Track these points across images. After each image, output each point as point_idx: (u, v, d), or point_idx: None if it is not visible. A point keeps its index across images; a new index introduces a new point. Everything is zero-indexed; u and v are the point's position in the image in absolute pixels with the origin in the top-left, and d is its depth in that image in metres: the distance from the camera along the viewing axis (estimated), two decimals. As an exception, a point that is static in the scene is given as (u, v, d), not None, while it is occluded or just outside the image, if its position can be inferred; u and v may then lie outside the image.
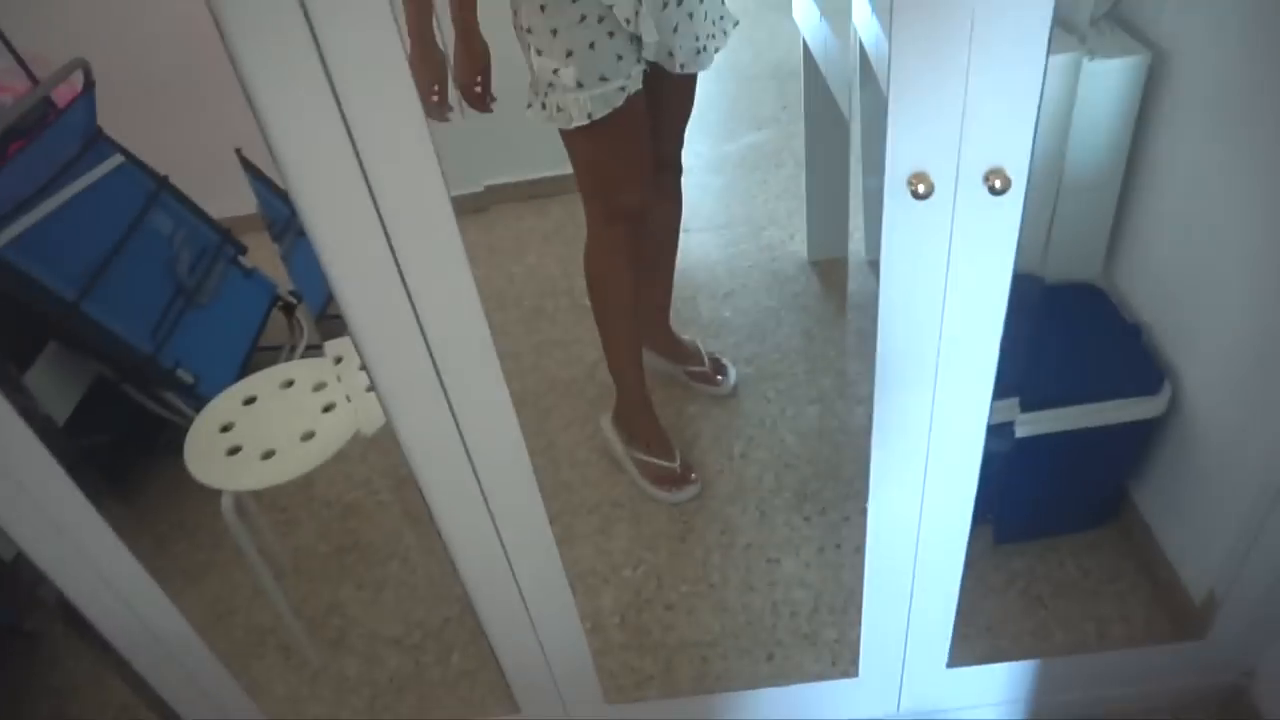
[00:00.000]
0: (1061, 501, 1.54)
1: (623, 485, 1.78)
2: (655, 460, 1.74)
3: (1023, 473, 1.41)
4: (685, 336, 1.94)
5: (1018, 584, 1.52)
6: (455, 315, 0.87)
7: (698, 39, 1.43)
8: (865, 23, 1.54)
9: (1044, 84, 0.76)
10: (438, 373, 0.91)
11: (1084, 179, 1.43)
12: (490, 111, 1.48)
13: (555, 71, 1.33)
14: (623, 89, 1.36)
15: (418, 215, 0.80)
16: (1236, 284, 1.23)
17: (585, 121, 1.36)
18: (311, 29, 0.68)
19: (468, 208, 2.17)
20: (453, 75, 1.44)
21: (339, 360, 1.54)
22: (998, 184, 0.80)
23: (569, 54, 1.32)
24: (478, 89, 1.45)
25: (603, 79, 1.34)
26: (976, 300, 0.89)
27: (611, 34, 1.32)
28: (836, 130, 1.87)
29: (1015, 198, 0.82)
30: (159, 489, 1.87)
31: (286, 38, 0.68)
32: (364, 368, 0.91)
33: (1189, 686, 1.36)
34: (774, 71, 2.70)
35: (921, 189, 0.80)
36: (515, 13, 1.34)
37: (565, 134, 1.42)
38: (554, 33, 1.31)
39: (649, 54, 1.39)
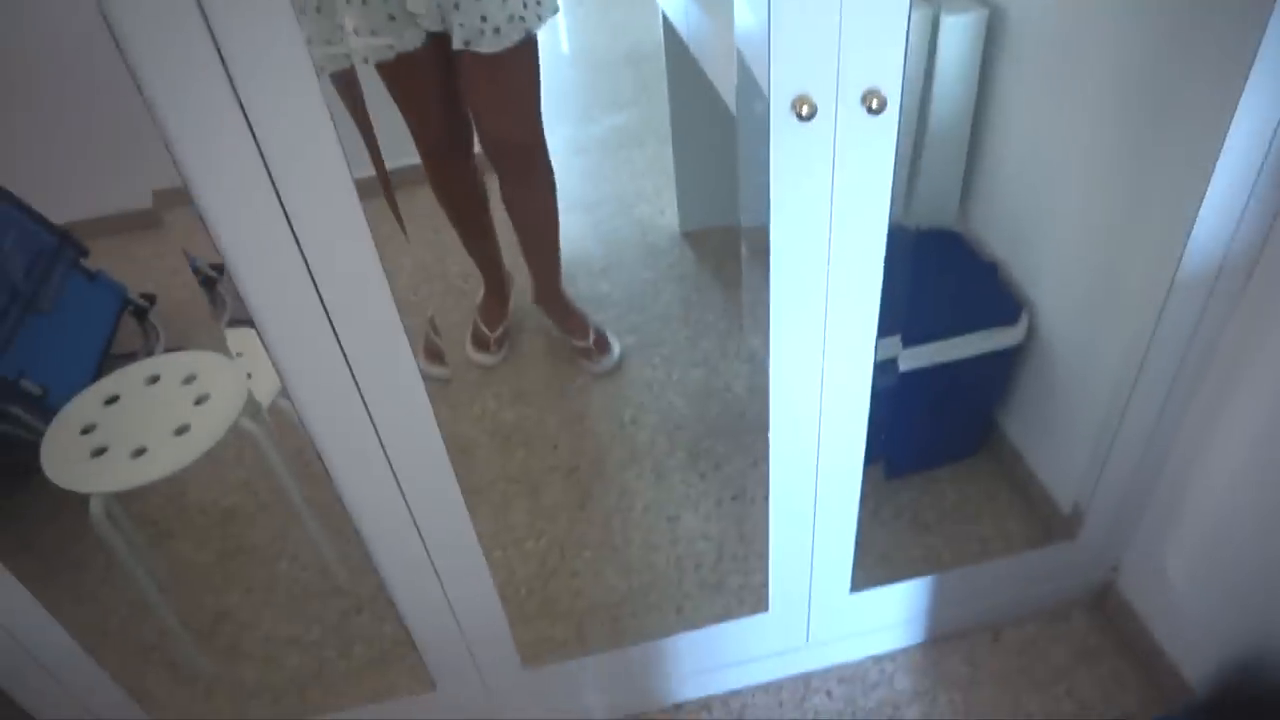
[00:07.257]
0: (941, 433, 1.64)
1: (516, 461, 1.77)
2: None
3: (907, 407, 1.50)
4: (578, 308, 1.96)
5: (906, 514, 1.61)
6: (357, 284, 0.86)
7: (485, 19, 1.42)
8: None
9: (910, 11, 0.81)
10: (337, 339, 0.89)
11: (940, 130, 1.53)
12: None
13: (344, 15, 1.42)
14: (391, 47, 1.44)
15: (317, 189, 0.78)
16: (1074, 221, 1.34)
17: (363, 63, 1.46)
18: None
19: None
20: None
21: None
22: (874, 104, 0.84)
23: (348, 1, 1.40)
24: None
25: (373, 33, 1.42)
26: (860, 217, 0.94)
27: None
28: (702, 103, 1.91)
29: (890, 118, 0.87)
30: (29, 514, 1.73)
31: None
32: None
33: (1065, 587, 1.48)
34: (630, 56, 2.73)
35: (805, 110, 0.84)
36: None
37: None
38: None
39: (425, 24, 1.42)
